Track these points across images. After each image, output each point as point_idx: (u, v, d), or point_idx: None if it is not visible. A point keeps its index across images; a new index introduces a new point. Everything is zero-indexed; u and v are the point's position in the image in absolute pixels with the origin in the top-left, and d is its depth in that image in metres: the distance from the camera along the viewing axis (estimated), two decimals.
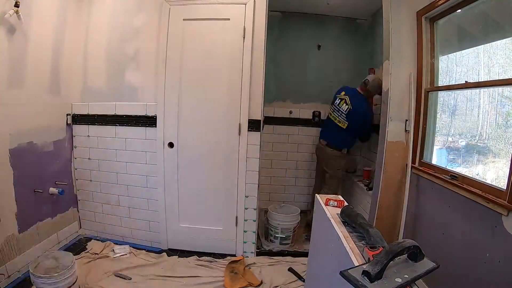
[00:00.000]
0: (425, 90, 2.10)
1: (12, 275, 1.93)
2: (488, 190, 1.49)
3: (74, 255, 1.87)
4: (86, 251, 2.39)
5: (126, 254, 2.38)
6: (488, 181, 1.60)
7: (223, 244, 2.49)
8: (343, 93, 2.81)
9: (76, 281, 1.78)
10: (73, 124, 2.52)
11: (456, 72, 2.08)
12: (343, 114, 2.76)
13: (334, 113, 2.82)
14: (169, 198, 2.48)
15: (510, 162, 1.34)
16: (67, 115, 2.47)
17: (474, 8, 1.76)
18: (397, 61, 2.15)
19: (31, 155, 2.11)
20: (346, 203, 1.25)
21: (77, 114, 2.51)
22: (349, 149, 2.93)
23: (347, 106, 2.74)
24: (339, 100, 2.80)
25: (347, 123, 2.74)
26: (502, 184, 1.43)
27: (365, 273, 0.63)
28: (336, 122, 2.81)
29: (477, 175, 1.68)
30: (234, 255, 2.46)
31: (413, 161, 2.14)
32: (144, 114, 2.43)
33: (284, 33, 3.28)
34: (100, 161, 2.54)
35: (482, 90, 1.84)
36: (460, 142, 2.13)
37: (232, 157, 2.39)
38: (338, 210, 1.16)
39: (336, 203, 1.25)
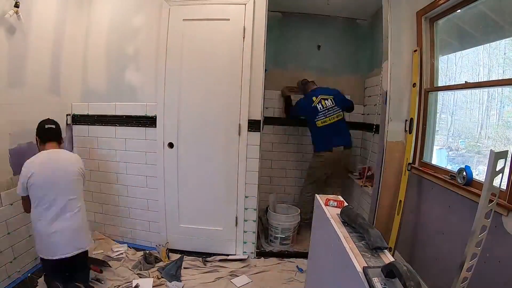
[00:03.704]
0: (425, 90, 2.10)
1: (12, 276, 1.93)
2: None
3: None
4: None
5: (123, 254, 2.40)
6: None
7: (223, 244, 2.49)
8: (314, 98, 2.82)
9: None
10: (73, 124, 2.52)
11: (456, 72, 2.08)
12: (333, 108, 2.80)
13: (324, 117, 2.80)
14: (169, 198, 2.48)
15: (510, 162, 1.34)
16: (67, 115, 2.47)
17: (474, 8, 1.76)
18: (397, 61, 2.15)
19: (31, 155, 2.10)
20: (346, 203, 1.25)
21: (77, 114, 2.51)
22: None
23: (329, 100, 2.81)
24: (318, 104, 2.80)
25: (340, 110, 2.82)
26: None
27: None
28: (334, 121, 2.80)
29: (477, 175, 1.68)
30: (234, 255, 2.46)
31: (413, 161, 2.14)
32: (144, 114, 2.43)
33: (284, 33, 3.27)
34: (100, 161, 2.54)
35: (482, 90, 1.84)
36: (460, 142, 2.13)
37: (232, 157, 2.39)
38: (338, 210, 1.16)
39: (336, 203, 1.25)
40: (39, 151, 1.82)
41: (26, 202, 1.73)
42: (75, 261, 1.77)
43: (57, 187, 1.73)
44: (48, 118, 1.93)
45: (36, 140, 1.87)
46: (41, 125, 1.87)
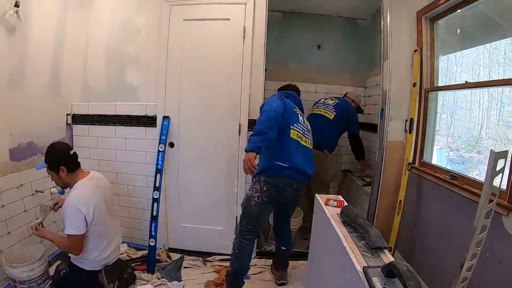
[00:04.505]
0: (425, 90, 2.10)
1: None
2: None
3: None
4: None
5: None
6: None
7: (224, 244, 2.48)
8: (328, 98, 2.85)
9: (45, 271, 1.82)
10: (73, 124, 2.52)
11: (456, 72, 2.08)
12: (330, 106, 2.73)
13: (319, 107, 2.76)
14: (169, 197, 2.48)
15: (510, 162, 1.34)
16: (67, 115, 2.47)
17: (474, 8, 1.76)
18: (397, 61, 2.15)
19: (31, 155, 2.10)
20: (346, 203, 1.25)
21: (77, 114, 2.51)
22: (331, 151, 2.72)
23: (333, 101, 2.75)
24: (324, 100, 2.84)
25: (334, 114, 2.67)
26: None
27: None
28: (321, 113, 2.71)
29: (477, 175, 1.68)
30: None
31: (413, 161, 2.14)
32: (144, 114, 2.43)
33: (284, 33, 3.28)
34: (100, 161, 2.54)
35: (482, 90, 1.84)
36: (460, 142, 2.14)
37: (232, 157, 2.39)
38: (338, 210, 1.16)
39: (336, 203, 1.25)
40: (64, 181, 1.64)
41: (81, 241, 1.58)
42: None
43: (111, 216, 1.76)
44: (59, 142, 1.83)
45: (61, 170, 1.59)
46: (64, 152, 1.64)
